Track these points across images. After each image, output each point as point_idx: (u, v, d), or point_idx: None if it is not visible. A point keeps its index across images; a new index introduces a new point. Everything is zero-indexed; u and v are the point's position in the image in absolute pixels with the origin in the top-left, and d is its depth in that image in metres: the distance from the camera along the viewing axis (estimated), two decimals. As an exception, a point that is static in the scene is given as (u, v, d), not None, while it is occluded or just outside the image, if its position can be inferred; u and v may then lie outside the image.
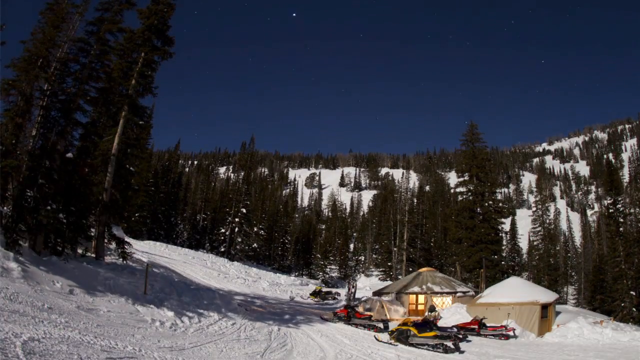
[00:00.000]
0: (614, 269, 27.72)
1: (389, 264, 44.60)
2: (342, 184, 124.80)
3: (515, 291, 17.19)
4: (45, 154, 12.94)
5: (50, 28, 13.28)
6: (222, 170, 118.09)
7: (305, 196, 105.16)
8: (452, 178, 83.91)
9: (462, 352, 11.39)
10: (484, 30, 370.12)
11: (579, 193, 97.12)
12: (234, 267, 32.03)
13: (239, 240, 39.33)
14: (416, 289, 20.71)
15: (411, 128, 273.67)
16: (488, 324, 15.20)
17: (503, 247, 35.78)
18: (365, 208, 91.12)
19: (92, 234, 15.55)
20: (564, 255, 44.09)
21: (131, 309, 10.97)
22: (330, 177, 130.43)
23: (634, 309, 25.64)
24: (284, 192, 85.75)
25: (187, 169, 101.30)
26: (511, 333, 14.87)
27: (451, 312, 18.15)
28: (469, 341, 12.90)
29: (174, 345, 8.56)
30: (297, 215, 71.65)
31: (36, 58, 12.84)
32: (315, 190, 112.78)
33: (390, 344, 11.95)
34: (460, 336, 12.37)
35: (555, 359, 11.48)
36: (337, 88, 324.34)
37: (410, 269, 36.09)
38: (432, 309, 15.12)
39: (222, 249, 38.52)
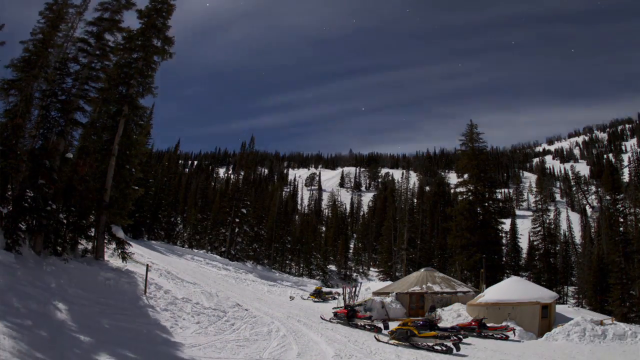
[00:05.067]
0: (614, 269, 27.69)
1: (389, 264, 44.54)
2: (342, 184, 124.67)
3: (515, 291, 17.20)
4: (45, 154, 12.94)
5: (50, 28, 13.28)
6: (222, 170, 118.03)
7: (305, 196, 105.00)
8: (452, 178, 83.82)
9: (463, 353, 11.37)
10: (483, 29, 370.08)
11: (579, 193, 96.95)
12: (233, 267, 32.03)
13: (239, 240, 39.29)
14: (416, 289, 20.69)
15: (411, 128, 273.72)
16: (488, 324, 15.20)
17: (503, 247, 35.78)
18: (365, 208, 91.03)
19: (92, 234, 15.54)
20: (564, 255, 44.03)
21: (133, 308, 10.97)
22: (330, 177, 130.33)
23: (634, 309, 25.63)
24: (284, 192, 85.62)
25: (187, 170, 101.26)
26: (511, 333, 14.86)
27: (451, 312, 18.15)
28: (469, 344, 12.87)
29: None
30: (297, 216, 71.58)
31: (36, 58, 12.84)
32: (315, 190, 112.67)
33: (391, 344, 11.94)
34: (461, 336, 12.35)
35: (556, 359, 11.47)
36: (338, 88, 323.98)
37: (410, 269, 36.04)
38: (432, 309, 15.08)
39: (223, 249, 38.50)
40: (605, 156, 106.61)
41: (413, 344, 11.73)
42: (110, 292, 11.94)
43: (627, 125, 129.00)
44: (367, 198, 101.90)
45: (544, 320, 16.06)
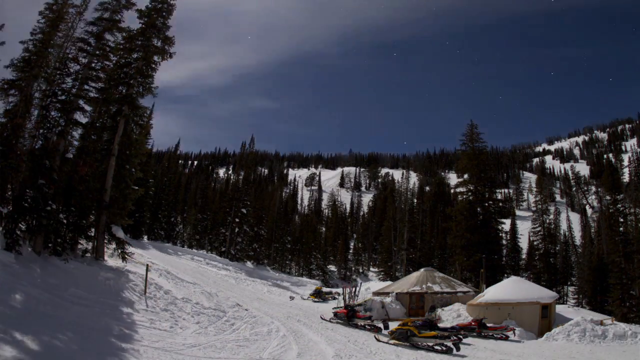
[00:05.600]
0: (614, 269, 27.68)
1: (389, 264, 44.55)
2: (342, 184, 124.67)
3: (515, 291, 17.19)
4: (45, 154, 12.94)
5: (50, 28, 13.29)
6: (222, 170, 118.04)
7: (305, 196, 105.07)
8: (452, 178, 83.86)
9: (463, 353, 11.37)
10: (483, 28, 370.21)
11: (579, 193, 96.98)
12: (233, 267, 32.04)
13: (239, 240, 39.28)
14: (416, 289, 20.69)
15: (411, 128, 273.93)
16: (488, 324, 15.19)
17: (503, 247, 35.76)
18: (365, 208, 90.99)
19: (92, 234, 15.54)
20: (563, 255, 44.00)
21: (131, 309, 10.97)
22: (330, 177, 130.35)
23: (634, 309, 25.62)
24: (284, 192, 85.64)
25: (187, 170, 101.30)
26: (511, 333, 14.86)
27: (451, 312, 18.15)
28: (469, 344, 12.87)
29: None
30: (297, 216, 71.61)
31: (36, 58, 12.85)
32: (315, 190, 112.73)
33: (391, 344, 11.94)
34: (461, 336, 12.34)
35: (556, 359, 11.48)
36: (337, 87, 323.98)
37: (410, 269, 36.04)
38: (433, 309, 15.09)
39: (223, 249, 38.50)
40: (605, 156, 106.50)
41: (413, 344, 11.72)
42: (109, 292, 11.94)
43: (627, 125, 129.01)
44: (367, 198, 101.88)
45: (544, 320, 16.06)
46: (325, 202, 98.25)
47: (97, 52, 14.86)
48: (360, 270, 55.85)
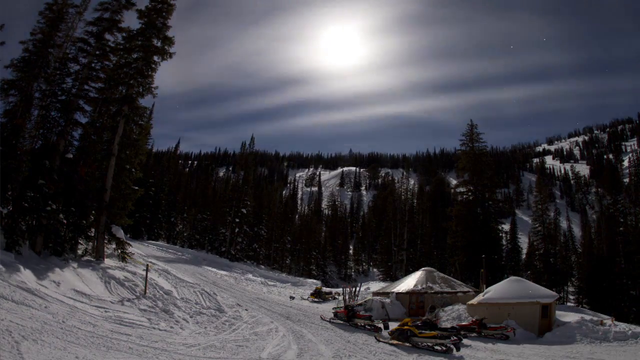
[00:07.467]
0: (614, 269, 27.67)
1: (389, 264, 44.54)
2: (342, 184, 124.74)
3: (515, 291, 17.16)
4: (45, 154, 12.96)
5: (50, 28, 13.32)
6: (221, 170, 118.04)
7: (305, 196, 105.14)
8: (453, 178, 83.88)
9: (462, 353, 11.37)
10: (483, 27, 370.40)
11: (579, 193, 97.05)
12: (233, 268, 32.03)
13: (239, 240, 39.26)
14: (416, 289, 20.68)
15: (411, 128, 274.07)
16: (488, 324, 15.18)
17: (503, 247, 35.74)
18: (365, 208, 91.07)
19: (92, 234, 15.55)
20: (563, 255, 43.94)
21: (131, 309, 10.96)
22: (330, 177, 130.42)
23: (633, 309, 25.62)
24: (284, 192, 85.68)
25: (187, 170, 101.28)
26: (511, 333, 14.85)
27: (451, 312, 18.13)
28: (469, 344, 12.87)
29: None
30: (297, 216, 71.57)
31: (36, 58, 12.87)
32: (315, 190, 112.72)
33: (391, 344, 11.94)
34: (461, 336, 12.32)
35: (556, 359, 11.47)
36: (336, 87, 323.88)
37: (410, 269, 36.01)
38: (432, 309, 15.09)
39: (223, 249, 38.49)
40: (605, 156, 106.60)
41: (413, 344, 11.71)
42: (109, 292, 11.93)
43: (627, 125, 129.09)
44: (367, 198, 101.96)
45: (544, 320, 16.03)
46: (325, 202, 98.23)
47: (97, 52, 14.89)
48: (360, 271, 55.84)
